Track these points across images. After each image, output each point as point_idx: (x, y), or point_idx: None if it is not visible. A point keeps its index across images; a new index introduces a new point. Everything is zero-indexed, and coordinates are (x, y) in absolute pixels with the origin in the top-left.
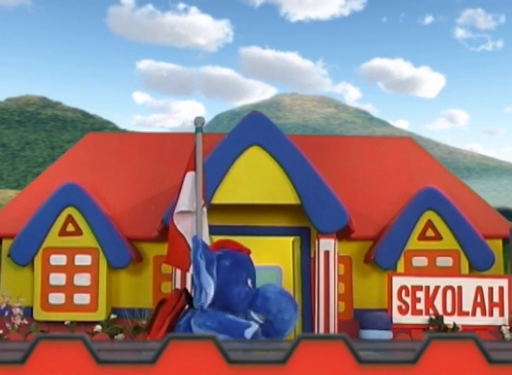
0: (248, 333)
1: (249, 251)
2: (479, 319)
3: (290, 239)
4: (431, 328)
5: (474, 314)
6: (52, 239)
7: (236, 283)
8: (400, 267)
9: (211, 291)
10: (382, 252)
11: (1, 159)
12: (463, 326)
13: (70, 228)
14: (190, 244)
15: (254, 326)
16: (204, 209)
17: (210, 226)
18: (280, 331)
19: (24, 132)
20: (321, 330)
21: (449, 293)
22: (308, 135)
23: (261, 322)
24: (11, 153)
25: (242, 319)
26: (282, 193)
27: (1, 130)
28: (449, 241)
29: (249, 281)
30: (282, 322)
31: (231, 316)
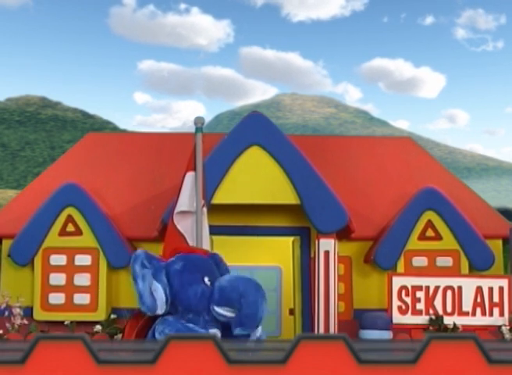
0: None
1: (205, 252)
2: (479, 319)
3: (290, 239)
4: (431, 328)
5: (474, 314)
6: (52, 239)
7: (189, 284)
8: (400, 267)
9: (160, 296)
10: (382, 252)
11: (1, 159)
12: (463, 326)
13: (70, 228)
14: (190, 244)
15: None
16: (205, 209)
17: (210, 226)
18: (251, 315)
19: (24, 132)
20: (321, 330)
21: (449, 293)
22: (308, 135)
23: (231, 314)
24: (11, 153)
25: (208, 319)
26: (282, 193)
27: (1, 130)
28: (449, 241)
29: (206, 279)
30: (248, 305)
31: (190, 325)
